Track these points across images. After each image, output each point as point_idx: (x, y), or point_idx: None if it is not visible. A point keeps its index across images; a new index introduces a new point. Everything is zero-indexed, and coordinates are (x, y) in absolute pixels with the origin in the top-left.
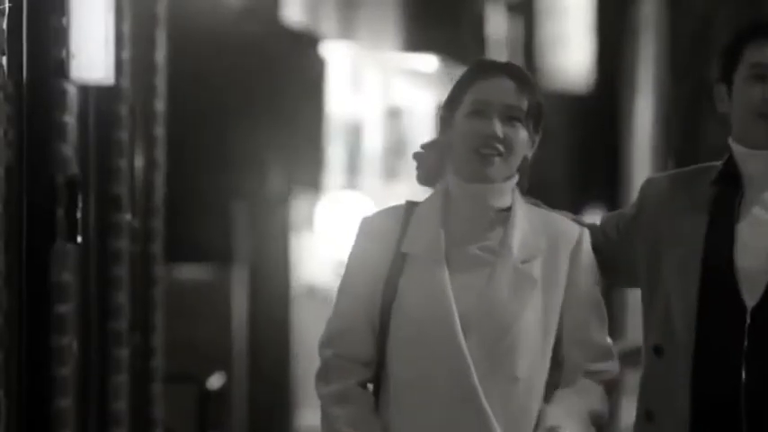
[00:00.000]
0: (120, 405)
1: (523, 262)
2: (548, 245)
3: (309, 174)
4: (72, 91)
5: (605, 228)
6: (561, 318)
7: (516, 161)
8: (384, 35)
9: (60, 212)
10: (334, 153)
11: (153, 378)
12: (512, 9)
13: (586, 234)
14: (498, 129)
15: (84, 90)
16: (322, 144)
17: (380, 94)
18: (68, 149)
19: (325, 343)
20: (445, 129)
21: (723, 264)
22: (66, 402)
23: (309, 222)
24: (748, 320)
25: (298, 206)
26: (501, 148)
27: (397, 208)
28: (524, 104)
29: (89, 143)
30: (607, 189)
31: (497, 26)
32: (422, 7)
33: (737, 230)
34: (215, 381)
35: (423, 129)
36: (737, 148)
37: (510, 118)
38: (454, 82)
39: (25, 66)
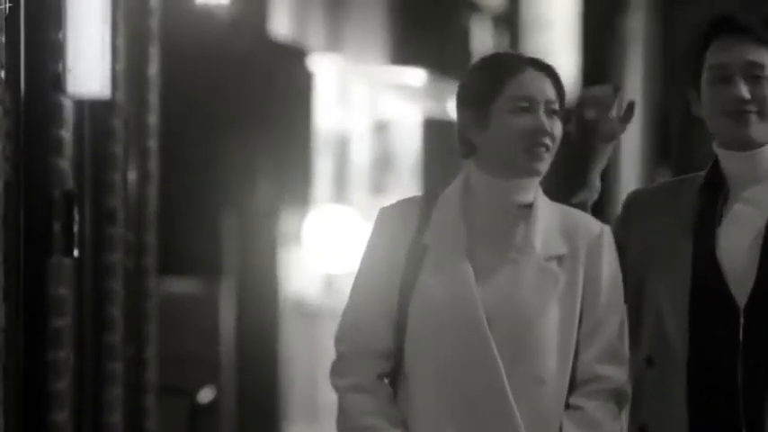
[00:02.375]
0: (115, 418)
1: (546, 259)
2: (569, 241)
3: (297, 187)
4: (68, 105)
5: None
6: (581, 316)
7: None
8: (371, 49)
9: (57, 226)
10: (322, 166)
11: (146, 391)
12: (497, 22)
13: (608, 230)
14: (547, 124)
15: (80, 104)
16: (310, 157)
17: (368, 107)
18: (65, 164)
19: (342, 336)
20: (478, 127)
21: (710, 267)
22: (62, 415)
23: (297, 236)
24: (742, 320)
25: (286, 220)
26: (549, 142)
27: (414, 199)
28: (557, 97)
29: (84, 157)
30: (595, 200)
31: (483, 39)
32: (408, 21)
33: (721, 231)
34: (205, 394)
35: (410, 142)
36: (719, 151)
37: (550, 112)
38: (472, 78)
39: (23, 80)
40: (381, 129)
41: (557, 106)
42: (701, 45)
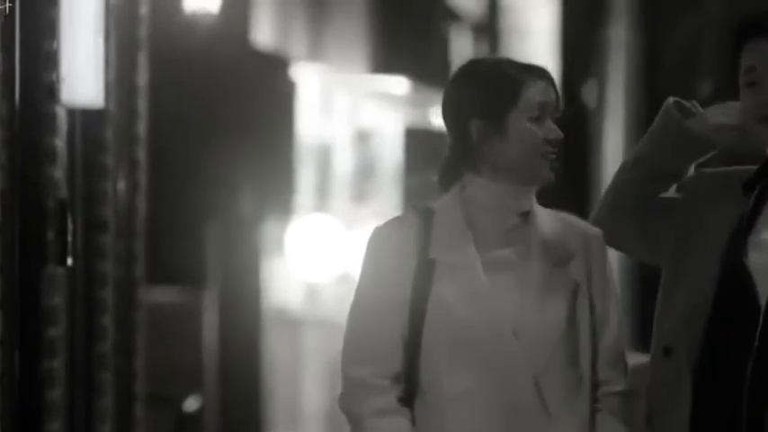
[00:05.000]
0: (106, 427)
1: (555, 264)
2: (572, 245)
3: (280, 196)
4: (62, 114)
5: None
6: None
7: None
8: (353, 57)
9: (51, 236)
10: (304, 175)
11: (135, 400)
12: (477, 30)
13: (600, 233)
14: (558, 131)
15: (71, 113)
16: (292, 166)
17: (350, 116)
18: (59, 173)
19: (354, 362)
20: (494, 136)
21: (738, 263)
22: (56, 425)
23: (280, 245)
24: (761, 320)
25: (268, 229)
26: (558, 149)
27: (407, 216)
28: (556, 103)
29: (75, 166)
30: (576, 213)
31: (462, 48)
32: (389, 30)
33: (757, 229)
34: (191, 403)
35: (392, 151)
36: None
37: (554, 119)
38: (480, 88)
39: (17, 89)
40: (363, 137)
41: (557, 114)
42: (734, 51)
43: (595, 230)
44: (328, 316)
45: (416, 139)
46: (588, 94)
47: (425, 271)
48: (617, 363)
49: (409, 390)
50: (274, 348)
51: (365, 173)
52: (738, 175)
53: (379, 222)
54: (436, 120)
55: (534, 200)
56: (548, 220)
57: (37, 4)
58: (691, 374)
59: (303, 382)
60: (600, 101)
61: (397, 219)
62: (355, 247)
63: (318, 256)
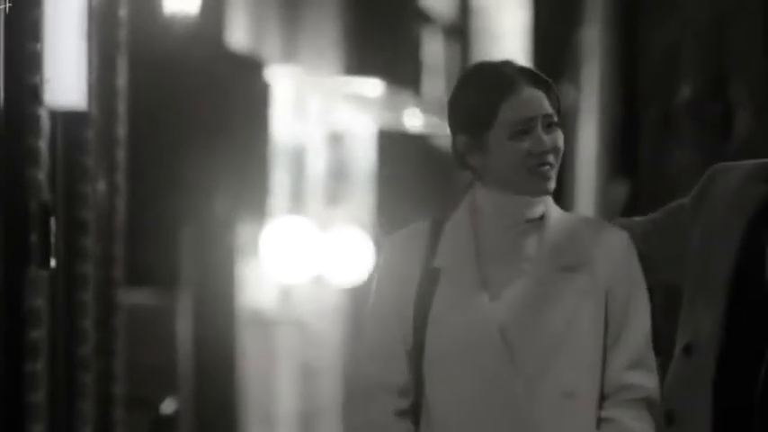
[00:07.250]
0: (87, 430)
1: (561, 270)
2: (584, 250)
3: (254, 198)
4: (45, 116)
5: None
6: (606, 325)
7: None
8: (326, 60)
9: (34, 238)
10: (279, 177)
11: (115, 403)
12: (449, 32)
13: (626, 236)
14: (548, 142)
15: (53, 115)
16: (267, 168)
17: (323, 118)
18: (42, 175)
19: (357, 371)
20: (477, 151)
21: (756, 261)
22: (39, 427)
23: (255, 247)
24: None
25: (243, 231)
26: (552, 159)
27: (420, 225)
28: (556, 108)
29: (57, 168)
30: None
31: (434, 51)
32: (363, 32)
33: None
34: (168, 405)
35: (365, 153)
36: None
37: (549, 125)
38: (463, 101)
39: (2, 91)
40: (337, 139)
41: (555, 118)
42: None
43: (620, 234)
44: (302, 317)
45: (390, 142)
46: (562, 96)
47: (430, 281)
48: (640, 369)
49: (417, 401)
50: (249, 349)
51: (339, 175)
52: (754, 172)
53: (352, 224)
54: (409, 122)
55: (550, 204)
56: (563, 224)
57: (21, 6)
58: (709, 372)
59: (278, 383)
60: (574, 103)
61: (407, 228)
62: (329, 249)
63: (292, 257)
